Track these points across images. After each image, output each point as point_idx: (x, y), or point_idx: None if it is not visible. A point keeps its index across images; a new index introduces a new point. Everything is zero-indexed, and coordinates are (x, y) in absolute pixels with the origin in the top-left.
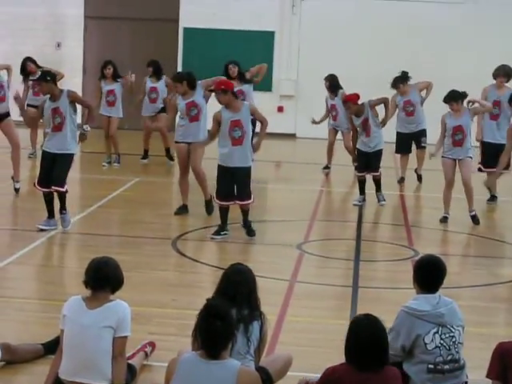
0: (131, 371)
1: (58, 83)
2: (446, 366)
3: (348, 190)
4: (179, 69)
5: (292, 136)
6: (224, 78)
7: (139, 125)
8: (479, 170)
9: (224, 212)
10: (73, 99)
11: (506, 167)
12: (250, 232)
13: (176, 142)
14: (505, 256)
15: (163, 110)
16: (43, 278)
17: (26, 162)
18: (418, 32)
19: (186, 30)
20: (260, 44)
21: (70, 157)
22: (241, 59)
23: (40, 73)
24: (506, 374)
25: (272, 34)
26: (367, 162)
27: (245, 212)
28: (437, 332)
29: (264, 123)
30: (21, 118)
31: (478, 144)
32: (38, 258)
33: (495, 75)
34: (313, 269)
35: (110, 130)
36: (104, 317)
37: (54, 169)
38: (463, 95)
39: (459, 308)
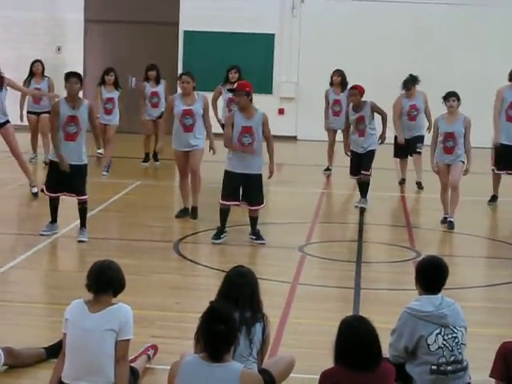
0: (134, 374)
1: (58, 84)
2: (449, 367)
3: (349, 191)
4: (179, 72)
5: (293, 138)
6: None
7: (139, 128)
8: (494, 171)
9: (225, 214)
10: (90, 113)
11: None
12: (260, 238)
13: (174, 148)
14: (507, 257)
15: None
16: (46, 282)
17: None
18: (418, 34)
19: (186, 32)
20: (260, 46)
21: (86, 166)
22: (241, 62)
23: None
24: (509, 374)
25: (272, 36)
26: (360, 163)
27: (254, 220)
28: (440, 333)
29: (270, 142)
30: (20, 123)
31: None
32: (40, 262)
33: None
34: (315, 271)
35: (107, 137)
36: (106, 320)
37: (70, 179)
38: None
39: (462, 309)
